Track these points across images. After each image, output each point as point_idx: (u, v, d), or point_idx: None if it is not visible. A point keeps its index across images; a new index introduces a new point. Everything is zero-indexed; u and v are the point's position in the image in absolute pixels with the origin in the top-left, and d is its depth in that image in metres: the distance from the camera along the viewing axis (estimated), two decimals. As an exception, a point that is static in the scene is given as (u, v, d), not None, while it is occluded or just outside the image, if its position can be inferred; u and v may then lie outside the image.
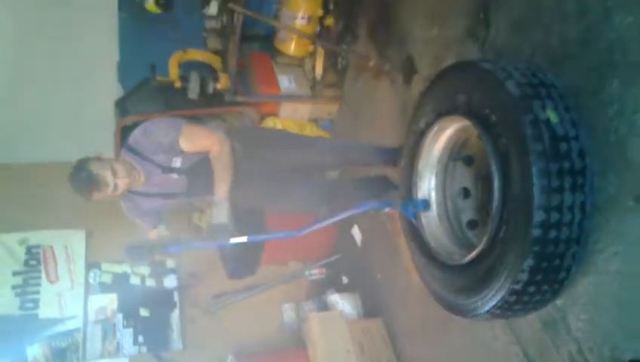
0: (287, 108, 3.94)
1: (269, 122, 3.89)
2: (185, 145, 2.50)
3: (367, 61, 3.40)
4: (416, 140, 2.45)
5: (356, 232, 4.01)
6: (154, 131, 2.52)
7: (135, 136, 2.56)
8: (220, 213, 2.54)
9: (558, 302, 2.05)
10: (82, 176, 2.37)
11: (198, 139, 2.53)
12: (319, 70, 3.82)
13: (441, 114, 2.23)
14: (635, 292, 1.78)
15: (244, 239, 2.51)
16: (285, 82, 3.92)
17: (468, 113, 2.05)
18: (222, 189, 2.54)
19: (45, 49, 4.14)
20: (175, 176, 2.58)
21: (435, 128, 2.32)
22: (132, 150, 2.54)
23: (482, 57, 2.43)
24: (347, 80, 3.93)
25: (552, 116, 1.77)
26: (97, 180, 2.36)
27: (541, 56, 2.09)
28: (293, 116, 3.99)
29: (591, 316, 1.96)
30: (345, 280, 4.21)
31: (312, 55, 3.86)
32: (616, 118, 1.80)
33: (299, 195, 2.93)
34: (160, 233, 2.83)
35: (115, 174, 2.39)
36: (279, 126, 3.86)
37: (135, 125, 3.73)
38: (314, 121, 4.15)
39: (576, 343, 2.03)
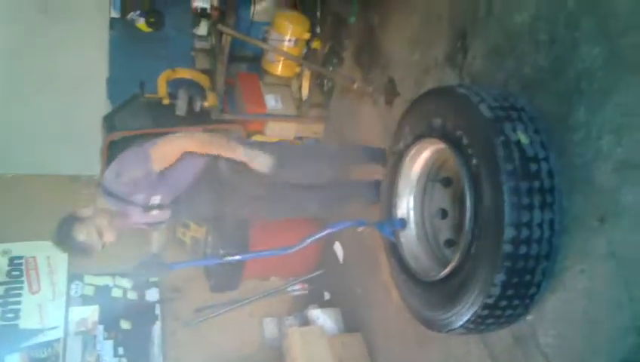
0: (273, 127, 4.03)
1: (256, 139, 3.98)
2: (160, 165, 2.42)
3: (351, 83, 3.51)
4: (396, 161, 2.54)
5: (338, 248, 4.08)
6: (124, 171, 2.41)
7: (108, 179, 2.45)
8: (262, 159, 2.57)
9: (529, 317, 2.13)
10: (70, 245, 2.36)
11: (169, 153, 2.45)
12: (305, 91, 3.92)
13: (418, 136, 2.32)
14: (599, 310, 1.87)
15: (237, 257, 2.58)
16: (272, 101, 4.01)
17: (443, 135, 2.15)
18: (238, 151, 2.54)
19: (36, 63, 4.21)
20: (156, 212, 2.55)
21: (414, 150, 2.41)
22: (110, 194, 2.44)
23: (458, 83, 2.54)
24: (333, 101, 4.03)
25: (523, 138, 1.87)
26: (85, 249, 2.36)
27: (514, 82, 2.20)
28: (280, 135, 4.07)
29: (559, 332, 2.04)
30: (327, 295, 4.26)
31: (299, 76, 3.97)
32: (582, 143, 1.90)
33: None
34: (161, 236, 2.87)
35: (100, 234, 2.35)
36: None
37: (122, 141, 3.82)
38: (300, 139, 4.24)
39: (545, 358, 2.11)
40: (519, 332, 2.22)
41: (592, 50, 1.85)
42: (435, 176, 2.52)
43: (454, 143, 2.08)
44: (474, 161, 1.96)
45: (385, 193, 2.65)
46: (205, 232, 4.13)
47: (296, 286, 4.31)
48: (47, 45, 4.15)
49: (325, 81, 4.00)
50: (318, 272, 4.31)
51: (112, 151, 3.99)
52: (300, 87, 4.00)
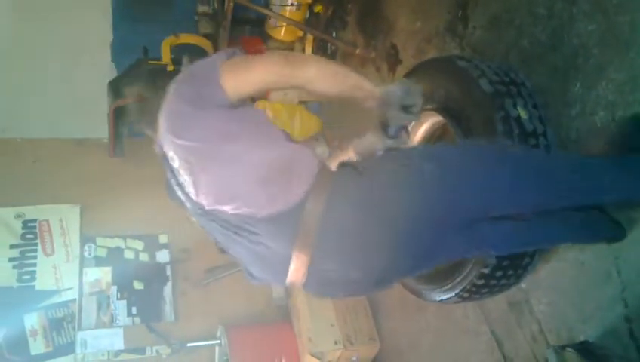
0: (277, 92, 4.03)
1: (260, 105, 3.98)
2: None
3: (354, 49, 3.50)
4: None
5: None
6: None
7: None
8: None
9: (523, 285, 2.21)
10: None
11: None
12: (308, 54, 3.92)
13: None
14: (588, 280, 1.94)
15: None
16: (275, 66, 3.99)
17: (443, 108, 2.17)
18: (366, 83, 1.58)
19: (39, 28, 4.20)
20: None
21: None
22: None
23: (459, 54, 2.54)
24: (336, 64, 4.01)
25: (522, 113, 1.90)
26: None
27: (514, 55, 2.21)
28: (284, 99, 4.08)
29: (551, 299, 2.13)
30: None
31: (302, 40, 3.94)
32: (577, 118, 1.93)
33: None
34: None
35: None
36: (268, 109, 3.95)
37: (127, 106, 3.84)
38: (303, 103, 4.24)
39: (537, 323, 2.20)
40: (514, 299, 2.31)
41: (588, 27, 1.86)
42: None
43: (454, 117, 2.11)
44: (475, 135, 2.00)
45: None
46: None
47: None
48: (50, 9, 4.13)
49: (329, 45, 3.98)
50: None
51: (118, 116, 4.03)
52: (302, 51, 3.99)
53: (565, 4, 1.94)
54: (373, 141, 1.62)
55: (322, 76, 1.50)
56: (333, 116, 4.19)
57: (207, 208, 1.46)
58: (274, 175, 1.41)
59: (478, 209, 1.51)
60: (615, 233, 1.81)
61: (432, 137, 2.47)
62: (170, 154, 1.48)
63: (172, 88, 1.50)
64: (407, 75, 2.38)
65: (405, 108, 1.51)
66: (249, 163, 1.41)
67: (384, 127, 1.59)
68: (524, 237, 1.73)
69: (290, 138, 1.52)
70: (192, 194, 1.47)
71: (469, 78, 1.99)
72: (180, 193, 1.52)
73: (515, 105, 1.89)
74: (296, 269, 1.43)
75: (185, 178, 1.47)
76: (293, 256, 1.41)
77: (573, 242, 1.94)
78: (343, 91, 1.54)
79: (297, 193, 1.38)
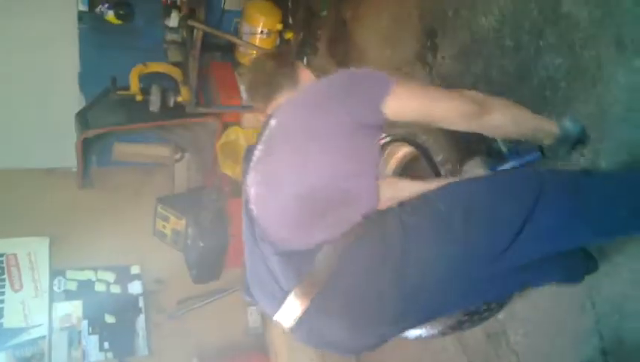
0: (249, 118, 3.99)
1: (232, 133, 3.94)
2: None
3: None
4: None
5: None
6: None
7: None
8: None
9: (500, 316, 2.18)
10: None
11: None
12: (280, 81, 3.87)
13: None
14: (564, 312, 1.93)
15: None
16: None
17: (408, 139, 2.15)
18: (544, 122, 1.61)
19: (6, 56, 4.11)
20: None
21: (388, 149, 2.41)
22: None
23: (429, 83, 2.53)
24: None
25: (503, 147, 1.88)
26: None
27: (483, 85, 2.20)
28: (256, 126, 4.03)
29: (527, 330, 2.11)
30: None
31: (273, 66, 3.91)
32: (550, 151, 1.92)
33: None
34: None
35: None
36: (241, 136, 3.90)
37: (96, 138, 3.77)
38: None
39: (515, 355, 2.18)
40: (491, 330, 2.28)
41: (555, 60, 1.86)
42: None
43: (425, 148, 2.09)
44: (449, 166, 1.98)
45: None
46: (185, 225, 4.12)
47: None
48: (16, 41, 4.05)
49: (300, 71, 3.96)
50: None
51: (87, 147, 3.95)
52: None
53: (532, 36, 1.95)
54: (478, 173, 1.62)
55: (504, 122, 1.46)
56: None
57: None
58: (307, 208, 1.36)
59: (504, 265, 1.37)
60: (588, 266, 1.79)
61: (407, 162, 2.45)
62: (271, 123, 1.47)
63: (333, 74, 1.55)
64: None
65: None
66: (305, 178, 1.36)
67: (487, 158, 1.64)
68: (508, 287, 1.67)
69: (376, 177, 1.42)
70: (253, 163, 1.47)
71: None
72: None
73: (494, 139, 1.88)
74: (290, 312, 1.36)
75: (260, 147, 1.47)
76: (291, 296, 1.34)
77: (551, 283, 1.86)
78: (522, 134, 1.55)
79: (315, 240, 1.33)
